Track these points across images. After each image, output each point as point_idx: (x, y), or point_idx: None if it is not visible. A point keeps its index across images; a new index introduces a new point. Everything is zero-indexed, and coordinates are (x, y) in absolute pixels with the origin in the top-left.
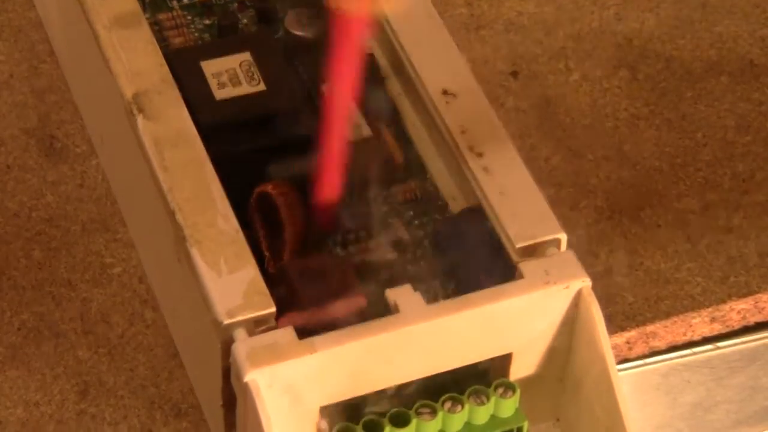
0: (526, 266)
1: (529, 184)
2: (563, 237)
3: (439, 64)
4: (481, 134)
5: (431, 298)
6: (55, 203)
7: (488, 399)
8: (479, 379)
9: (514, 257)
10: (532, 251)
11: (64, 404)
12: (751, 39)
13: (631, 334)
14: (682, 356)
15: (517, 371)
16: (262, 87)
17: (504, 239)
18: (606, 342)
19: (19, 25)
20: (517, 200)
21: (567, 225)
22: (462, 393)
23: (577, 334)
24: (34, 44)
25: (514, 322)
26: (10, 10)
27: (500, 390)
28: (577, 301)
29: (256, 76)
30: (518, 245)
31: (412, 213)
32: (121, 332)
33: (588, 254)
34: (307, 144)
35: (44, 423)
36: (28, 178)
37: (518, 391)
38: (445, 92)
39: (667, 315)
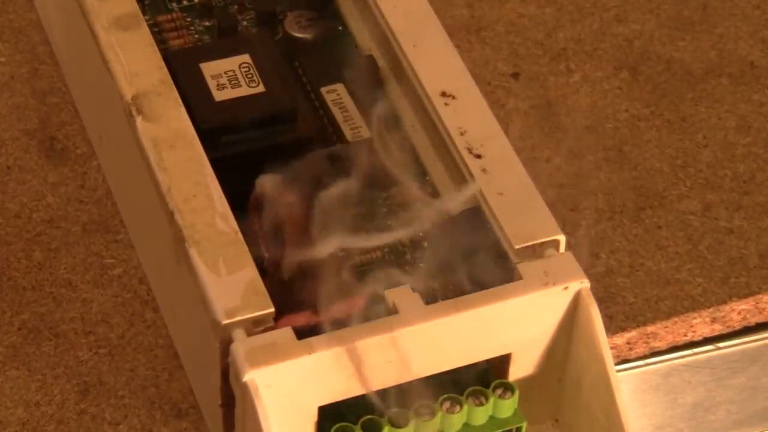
0: (524, 267)
1: (528, 185)
2: (562, 238)
3: (437, 65)
4: (480, 135)
5: (430, 299)
6: (56, 204)
7: (487, 399)
8: (478, 379)
9: (513, 258)
10: (531, 252)
11: (64, 404)
12: (751, 40)
13: (632, 334)
14: (682, 356)
15: (516, 372)
16: (261, 89)
17: (503, 240)
18: (605, 343)
19: (19, 27)
20: (515, 201)
21: (568, 226)
22: (461, 393)
23: (575, 335)
24: (34, 46)
25: (513, 323)
26: (11, 11)
27: (499, 391)
28: (576, 302)
29: (255, 78)
30: (517, 246)
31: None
32: (122, 333)
33: (589, 255)
34: (305, 145)
35: (45, 423)
36: (28, 179)
37: (517, 392)
38: (443, 94)
39: (668, 315)
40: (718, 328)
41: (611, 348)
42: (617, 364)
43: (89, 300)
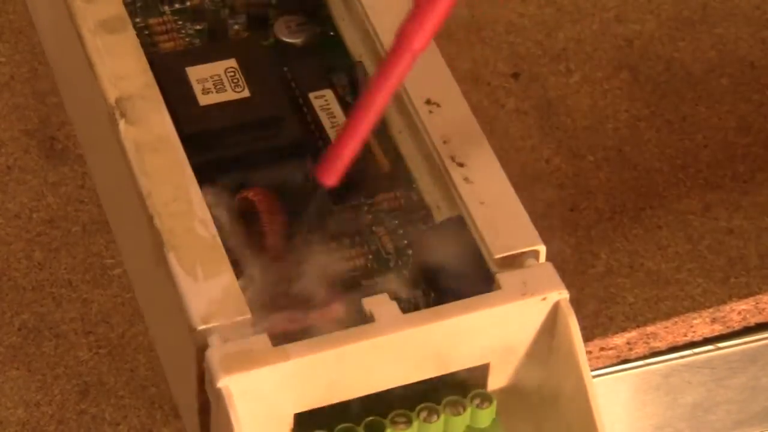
0: (503, 277)
1: (510, 194)
2: (542, 248)
3: (423, 73)
4: (463, 144)
5: (412, 307)
6: (56, 204)
7: (465, 409)
8: (456, 389)
9: (493, 268)
10: (511, 262)
11: (64, 405)
12: (751, 40)
13: (632, 334)
14: (682, 357)
15: (495, 382)
16: (246, 94)
17: (483, 249)
18: (582, 354)
19: (19, 27)
20: (497, 211)
21: (568, 226)
22: (438, 403)
23: (554, 346)
24: (34, 46)
25: (491, 333)
26: (11, 12)
27: (477, 400)
28: (554, 313)
29: (241, 83)
30: (497, 256)
31: (396, 222)
32: (122, 333)
33: (589, 255)
34: (290, 151)
35: (45, 423)
36: (28, 179)
37: (494, 402)
38: (428, 101)
39: (668, 316)
40: (718, 329)
41: (611, 348)
42: (617, 364)
43: (89, 300)
